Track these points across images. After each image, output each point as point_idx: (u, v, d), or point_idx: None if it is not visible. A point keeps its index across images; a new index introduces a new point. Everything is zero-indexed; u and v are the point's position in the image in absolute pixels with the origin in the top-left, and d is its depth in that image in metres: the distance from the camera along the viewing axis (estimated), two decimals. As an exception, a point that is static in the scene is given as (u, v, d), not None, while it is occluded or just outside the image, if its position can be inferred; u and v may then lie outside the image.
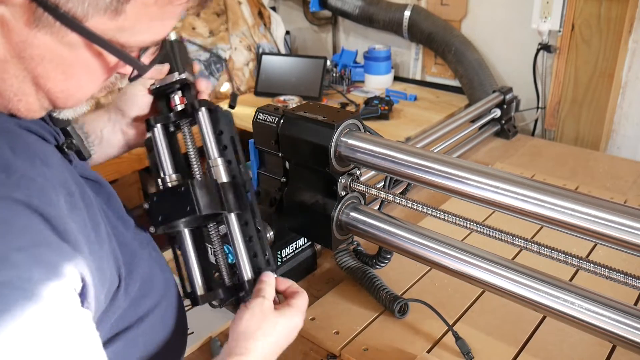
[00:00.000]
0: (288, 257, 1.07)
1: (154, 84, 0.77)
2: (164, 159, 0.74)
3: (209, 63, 2.13)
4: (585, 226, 0.68)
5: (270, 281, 0.71)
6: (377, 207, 0.99)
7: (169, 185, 0.72)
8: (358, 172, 0.96)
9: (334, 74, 2.22)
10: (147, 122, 0.75)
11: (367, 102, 1.89)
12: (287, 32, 2.54)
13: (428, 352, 0.89)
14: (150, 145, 0.76)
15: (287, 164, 0.99)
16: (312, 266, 1.13)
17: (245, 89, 2.25)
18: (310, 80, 2.11)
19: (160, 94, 0.77)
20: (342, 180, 0.93)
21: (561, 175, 1.48)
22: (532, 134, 1.93)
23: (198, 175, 0.73)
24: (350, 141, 0.90)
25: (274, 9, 2.59)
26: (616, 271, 0.68)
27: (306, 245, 1.11)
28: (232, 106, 0.78)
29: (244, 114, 1.97)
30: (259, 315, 0.67)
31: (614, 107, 1.73)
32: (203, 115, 0.74)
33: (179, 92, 0.76)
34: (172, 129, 0.77)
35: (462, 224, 0.81)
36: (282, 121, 0.95)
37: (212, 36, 2.23)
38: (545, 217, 0.71)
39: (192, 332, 0.96)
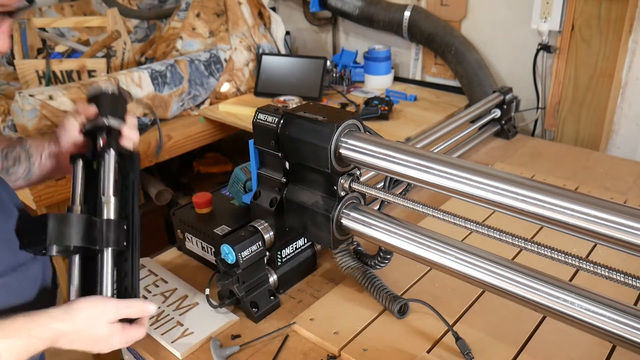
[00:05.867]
0: (288, 257, 1.07)
1: (85, 125, 0.89)
2: (75, 191, 0.83)
3: (209, 63, 2.13)
4: (585, 226, 0.68)
5: (130, 304, 0.82)
6: (377, 207, 0.99)
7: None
8: (358, 173, 0.96)
9: (334, 74, 2.22)
10: (70, 156, 0.87)
11: (367, 102, 1.89)
12: (287, 33, 2.54)
13: (428, 352, 0.89)
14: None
15: (287, 164, 0.99)
16: (312, 266, 1.13)
17: (245, 89, 2.25)
18: (310, 80, 2.11)
19: (91, 134, 0.89)
20: (342, 181, 0.93)
21: (561, 175, 1.48)
22: (532, 134, 1.93)
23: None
24: (350, 141, 0.90)
25: (274, 9, 2.60)
26: (616, 271, 0.68)
27: (306, 245, 1.11)
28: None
29: (244, 115, 1.97)
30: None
31: (613, 107, 1.73)
32: (109, 156, 0.84)
33: (104, 135, 0.87)
34: (95, 166, 0.85)
35: (462, 224, 0.81)
36: (282, 121, 0.95)
37: (212, 36, 2.23)
38: (545, 217, 0.71)
39: (192, 332, 0.96)
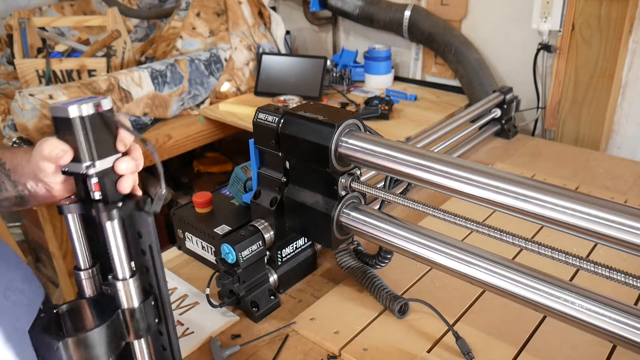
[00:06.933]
0: (288, 257, 1.07)
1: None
2: (78, 252, 0.65)
3: (209, 62, 2.13)
4: (585, 226, 0.68)
5: None
6: (377, 207, 0.99)
7: (84, 284, 0.66)
8: (358, 172, 0.96)
9: (334, 74, 2.22)
10: (58, 208, 0.64)
11: (367, 102, 1.89)
12: (287, 32, 2.54)
13: (428, 352, 0.89)
14: None
15: (287, 164, 0.99)
16: (312, 266, 1.13)
17: (246, 89, 2.25)
18: (310, 80, 2.11)
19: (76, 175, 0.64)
20: (342, 180, 0.93)
21: (561, 175, 1.48)
22: (532, 134, 1.93)
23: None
24: (351, 141, 0.90)
25: (274, 8, 2.59)
26: (616, 271, 0.68)
27: (306, 245, 1.11)
28: (155, 211, 0.65)
29: (244, 114, 1.97)
30: None
31: (614, 107, 1.73)
32: (113, 228, 0.62)
33: (94, 178, 0.62)
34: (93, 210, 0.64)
35: (462, 224, 0.81)
36: (282, 121, 0.95)
37: (212, 36, 2.23)
38: (545, 217, 0.71)
39: (192, 332, 0.96)
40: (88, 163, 0.61)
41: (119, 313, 0.64)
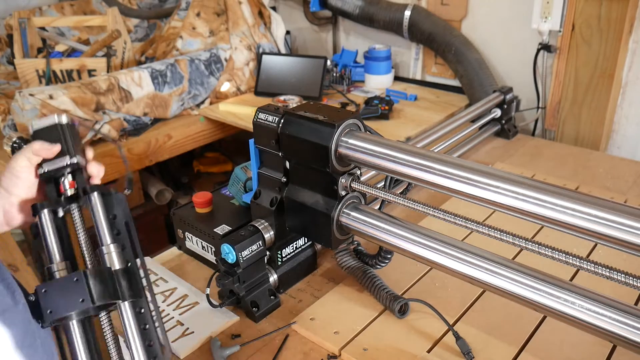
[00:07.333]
0: (288, 257, 1.07)
1: (41, 166, 0.76)
2: (51, 247, 0.71)
3: (209, 62, 2.13)
4: (585, 226, 0.68)
5: None
6: (378, 207, 0.99)
7: (57, 275, 0.69)
8: (358, 172, 0.96)
9: (334, 74, 2.22)
10: (33, 207, 0.73)
11: (368, 102, 1.89)
12: (288, 32, 2.54)
13: (428, 352, 0.89)
14: (36, 232, 0.73)
15: (287, 164, 0.99)
16: (312, 266, 1.13)
17: (246, 89, 2.25)
18: (310, 80, 2.11)
19: (49, 178, 0.76)
20: (342, 180, 0.93)
21: (561, 175, 1.48)
22: (533, 134, 1.93)
23: (89, 263, 0.72)
24: (351, 141, 0.90)
25: (274, 8, 2.59)
26: (616, 271, 0.68)
27: (306, 245, 1.11)
28: (127, 188, 0.80)
29: (244, 114, 1.97)
30: None
31: (614, 107, 1.73)
32: (95, 199, 0.73)
33: (69, 176, 0.76)
34: (61, 213, 0.74)
35: (462, 224, 0.81)
36: (282, 121, 0.95)
37: (212, 36, 2.23)
38: (545, 217, 0.71)
39: (192, 332, 0.96)
40: (72, 155, 0.76)
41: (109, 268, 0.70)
